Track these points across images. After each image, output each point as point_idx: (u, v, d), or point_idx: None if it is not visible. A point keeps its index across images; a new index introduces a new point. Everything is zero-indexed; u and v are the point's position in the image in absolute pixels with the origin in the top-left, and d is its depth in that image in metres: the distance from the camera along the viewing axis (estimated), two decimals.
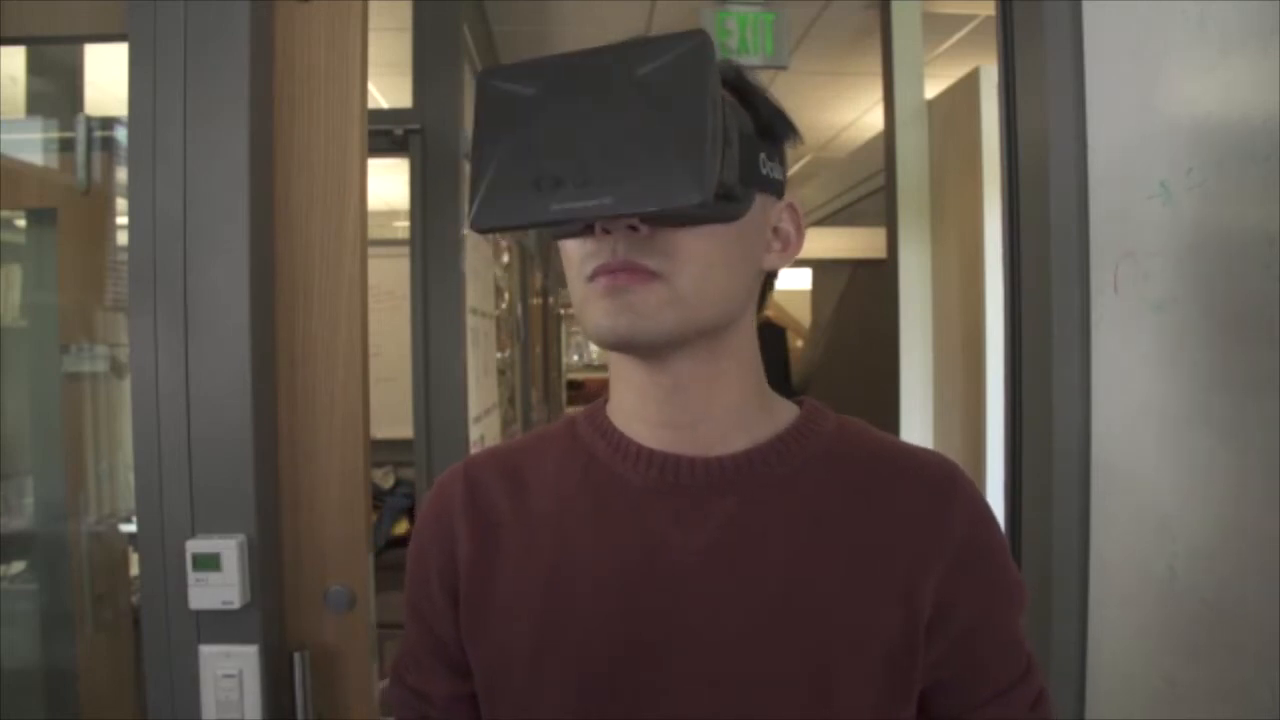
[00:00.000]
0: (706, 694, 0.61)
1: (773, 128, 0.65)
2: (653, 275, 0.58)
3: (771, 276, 0.70)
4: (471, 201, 0.55)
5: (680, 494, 0.64)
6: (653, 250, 0.58)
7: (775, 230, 0.66)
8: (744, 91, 0.64)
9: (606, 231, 0.58)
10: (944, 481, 0.66)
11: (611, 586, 0.63)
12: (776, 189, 0.65)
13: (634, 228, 0.58)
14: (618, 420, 0.68)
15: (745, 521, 0.63)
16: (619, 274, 0.58)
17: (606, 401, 0.71)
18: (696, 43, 0.52)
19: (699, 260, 0.59)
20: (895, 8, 2.92)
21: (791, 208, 0.67)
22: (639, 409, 0.66)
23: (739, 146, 0.59)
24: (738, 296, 0.64)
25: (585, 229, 0.59)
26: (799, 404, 0.71)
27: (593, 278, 0.59)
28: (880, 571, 0.63)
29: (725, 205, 0.59)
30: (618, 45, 0.55)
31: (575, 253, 0.61)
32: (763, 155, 0.62)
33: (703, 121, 0.51)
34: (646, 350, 0.62)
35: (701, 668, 0.61)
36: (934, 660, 0.64)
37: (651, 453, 0.65)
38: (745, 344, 0.67)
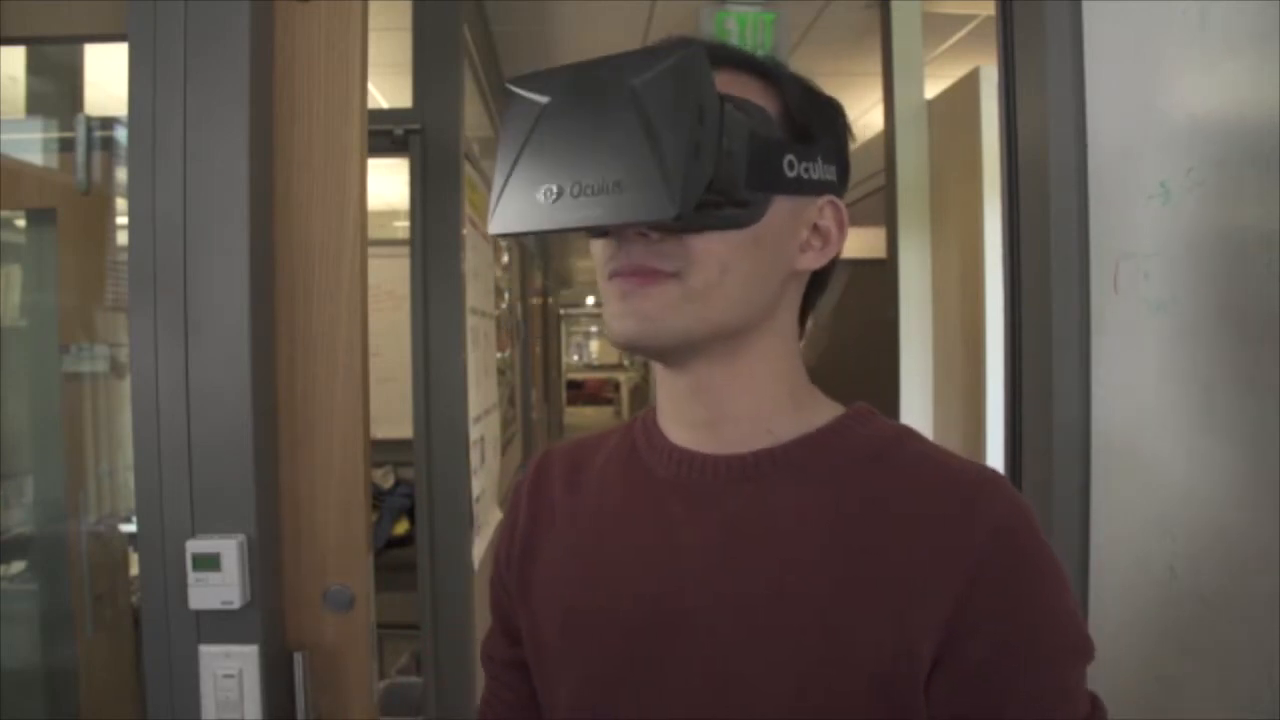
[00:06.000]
0: (699, 687, 0.61)
1: (808, 128, 0.63)
2: (667, 275, 0.60)
3: (821, 275, 0.68)
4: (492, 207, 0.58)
5: (693, 489, 0.66)
6: (665, 254, 0.60)
7: (815, 228, 0.65)
8: (780, 90, 0.63)
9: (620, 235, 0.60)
10: (968, 493, 0.59)
11: (630, 569, 0.66)
12: (813, 188, 0.63)
13: (643, 234, 0.59)
14: (660, 418, 0.71)
15: (746, 521, 0.63)
16: (630, 277, 0.60)
17: None
18: (683, 55, 0.53)
19: (714, 261, 0.60)
20: (895, 8, 2.91)
21: (833, 204, 0.66)
22: (669, 408, 0.69)
23: (749, 152, 0.58)
24: (759, 301, 0.63)
25: (602, 232, 0.60)
26: (851, 409, 0.68)
27: (610, 278, 0.62)
28: (870, 585, 0.58)
29: (733, 212, 0.59)
30: (623, 54, 0.55)
31: (599, 255, 0.63)
32: (790, 157, 0.61)
33: (682, 136, 0.52)
34: (658, 354, 0.64)
35: (696, 663, 0.62)
36: (943, 697, 0.56)
37: (674, 448, 0.68)
38: (773, 346, 0.66)
